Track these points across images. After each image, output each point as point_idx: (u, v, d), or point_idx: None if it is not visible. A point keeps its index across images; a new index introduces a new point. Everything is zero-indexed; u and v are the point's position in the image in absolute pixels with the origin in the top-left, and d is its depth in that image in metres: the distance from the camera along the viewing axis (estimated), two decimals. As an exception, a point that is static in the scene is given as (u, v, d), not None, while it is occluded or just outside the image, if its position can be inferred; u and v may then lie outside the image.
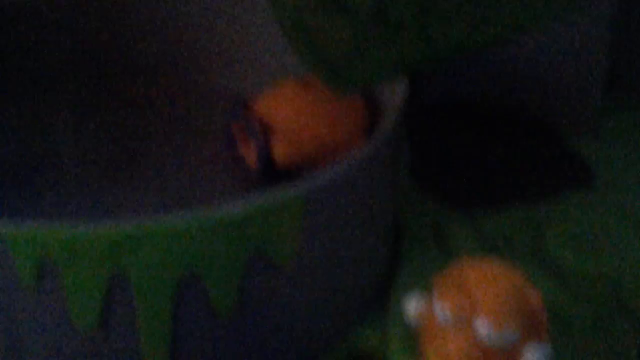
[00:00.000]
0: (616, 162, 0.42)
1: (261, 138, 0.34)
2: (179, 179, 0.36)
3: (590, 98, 0.43)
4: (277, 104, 0.34)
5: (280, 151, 0.34)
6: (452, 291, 0.27)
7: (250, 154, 0.36)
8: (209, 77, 0.41)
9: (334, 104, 0.34)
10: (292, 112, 0.34)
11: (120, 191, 0.35)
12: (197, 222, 0.25)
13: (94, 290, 0.25)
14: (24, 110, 0.40)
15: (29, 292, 0.25)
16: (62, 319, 0.26)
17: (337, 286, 0.30)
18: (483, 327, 0.26)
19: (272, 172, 0.35)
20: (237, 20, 0.41)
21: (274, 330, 0.28)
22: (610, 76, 0.45)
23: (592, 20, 0.41)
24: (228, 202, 0.25)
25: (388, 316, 0.32)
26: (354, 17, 0.29)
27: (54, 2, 0.41)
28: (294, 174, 0.36)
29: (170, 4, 0.41)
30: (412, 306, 0.28)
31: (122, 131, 0.39)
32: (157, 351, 0.27)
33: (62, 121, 0.40)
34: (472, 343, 0.27)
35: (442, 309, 0.27)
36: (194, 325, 0.27)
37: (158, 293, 0.26)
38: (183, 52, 0.41)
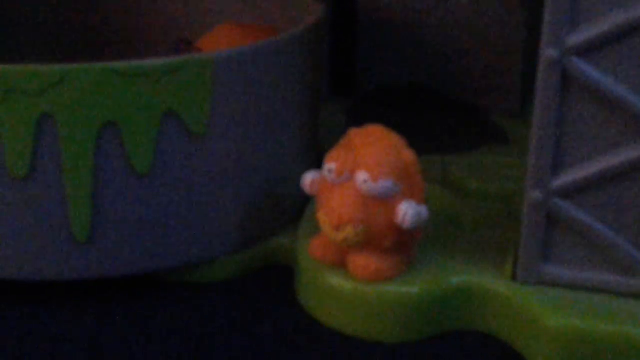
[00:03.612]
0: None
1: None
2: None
3: (511, 81, 0.48)
4: (215, 41, 0.40)
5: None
6: (339, 152, 0.31)
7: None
8: (158, 22, 0.47)
9: (261, 39, 0.40)
10: (227, 46, 0.39)
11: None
12: (113, 70, 0.29)
13: (25, 131, 0.29)
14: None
15: None
16: None
17: (250, 174, 0.34)
18: (361, 177, 0.30)
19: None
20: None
21: (186, 199, 0.32)
22: (531, 61, 0.50)
23: (507, 5, 0.46)
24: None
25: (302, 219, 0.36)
26: None
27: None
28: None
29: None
30: (308, 177, 0.32)
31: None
32: (80, 201, 0.31)
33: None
34: (355, 195, 0.31)
35: (329, 167, 0.31)
36: (113, 179, 0.31)
37: (81, 137, 0.30)
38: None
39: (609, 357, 0.30)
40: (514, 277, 0.32)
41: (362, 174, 0.30)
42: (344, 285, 0.31)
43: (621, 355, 0.30)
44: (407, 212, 0.30)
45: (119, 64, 0.29)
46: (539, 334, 0.30)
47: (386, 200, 0.30)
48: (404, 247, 0.32)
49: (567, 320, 0.30)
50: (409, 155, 0.31)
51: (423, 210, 0.31)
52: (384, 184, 0.30)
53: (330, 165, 0.31)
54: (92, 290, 0.35)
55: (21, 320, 0.33)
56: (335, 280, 0.32)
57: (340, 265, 0.32)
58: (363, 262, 0.31)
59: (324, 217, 0.31)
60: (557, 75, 0.29)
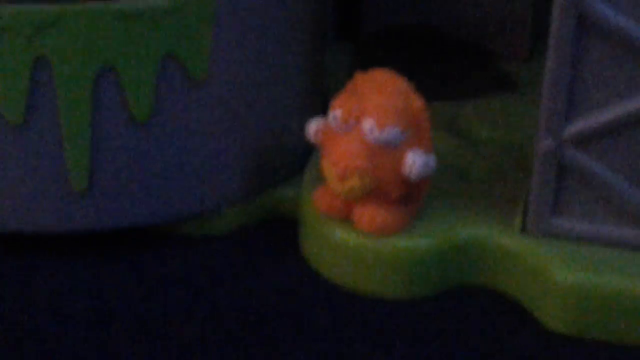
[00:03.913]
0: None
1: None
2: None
3: (521, 24, 0.46)
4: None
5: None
6: (345, 98, 0.30)
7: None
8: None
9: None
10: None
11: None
12: (111, 11, 0.28)
13: (19, 75, 0.28)
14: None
15: None
16: None
17: (253, 122, 0.33)
18: (367, 125, 0.29)
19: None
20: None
21: (187, 147, 0.31)
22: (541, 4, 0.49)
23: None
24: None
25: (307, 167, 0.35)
26: None
27: None
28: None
29: None
30: (312, 126, 0.31)
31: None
32: (78, 148, 0.30)
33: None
34: (360, 143, 0.29)
35: (334, 114, 0.30)
36: (111, 126, 0.30)
37: (77, 81, 0.29)
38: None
39: (619, 312, 0.29)
40: (523, 230, 0.31)
41: (368, 121, 0.29)
42: (349, 238, 0.31)
43: (632, 311, 0.29)
44: (415, 161, 0.29)
45: (117, 4, 0.28)
46: (548, 288, 0.29)
47: (393, 149, 0.29)
48: (411, 198, 0.31)
49: (577, 274, 0.29)
50: (417, 102, 0.30)
51: (431, 159, 0.30)
52: (391, 131, 0.29)
53: (336, 112, 0.30)
54: (92, 242, 0.34)
55: (20, 273, 0.32)
56: (340, 233, 0.31)
57: (345, 217, 0.31)
58: (369, 214, 0.30)
59: (329, 167, 0.30)
60: (573, 17, 0.28)
